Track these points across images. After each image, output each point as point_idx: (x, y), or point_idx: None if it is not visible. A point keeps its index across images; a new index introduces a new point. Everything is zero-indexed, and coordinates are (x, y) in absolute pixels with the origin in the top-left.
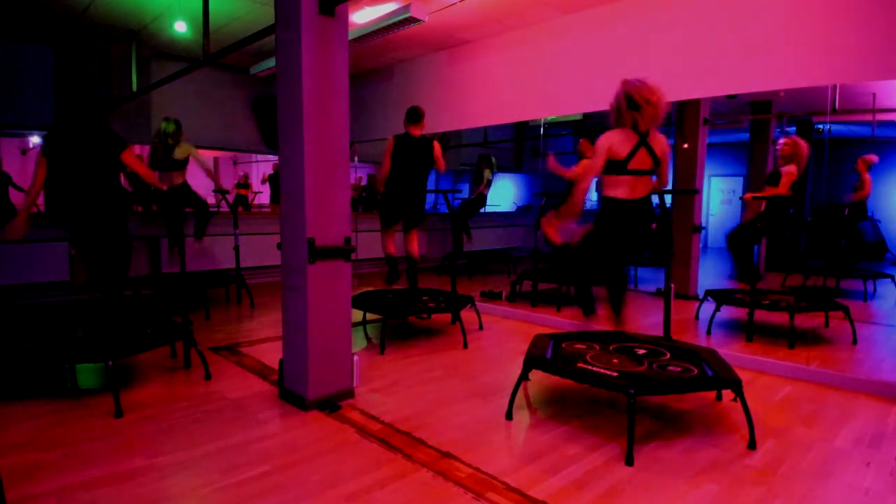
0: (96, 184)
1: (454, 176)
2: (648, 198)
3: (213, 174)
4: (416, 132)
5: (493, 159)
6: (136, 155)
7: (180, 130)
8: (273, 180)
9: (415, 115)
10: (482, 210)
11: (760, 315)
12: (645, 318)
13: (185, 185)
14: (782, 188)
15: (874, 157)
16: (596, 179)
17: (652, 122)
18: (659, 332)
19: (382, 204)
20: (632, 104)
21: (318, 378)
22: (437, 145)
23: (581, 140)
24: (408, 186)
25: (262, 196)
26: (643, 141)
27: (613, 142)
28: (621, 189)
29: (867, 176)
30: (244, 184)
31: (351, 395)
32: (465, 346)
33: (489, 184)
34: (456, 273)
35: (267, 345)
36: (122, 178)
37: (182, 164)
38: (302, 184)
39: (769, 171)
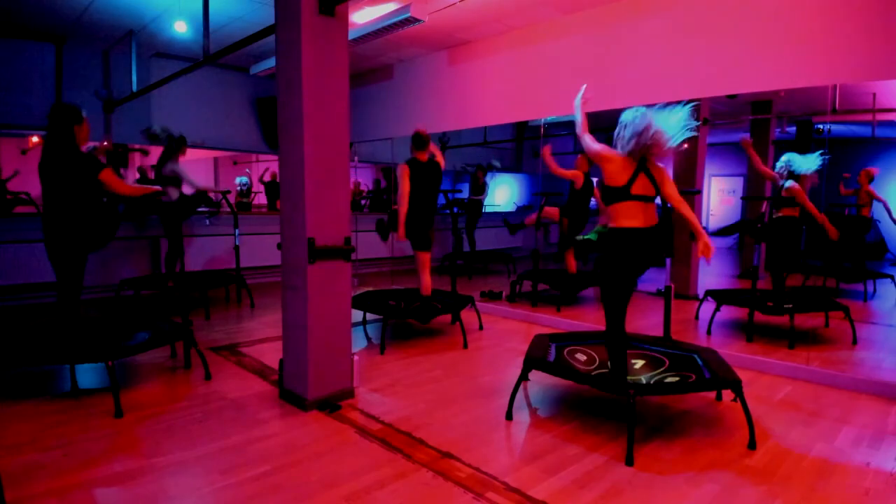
0: (68, 206)
1: (454, 176)
2: (658, 226)
3: (199, 186)
4: (424, 157)
5: (483, 165)
6: (138, 176)
7: (178, 146)
8: (270, 187)
9: (419, 141)
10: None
11: (760, 315)
12: (645, 318)
13: (183, 197)
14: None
15: (876, 170)
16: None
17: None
18: (659, 332)
19: (411, 230)
20: (645, 144)
21: (318, 378)
22: (440, 162)
23: (579, 157)
24: (426, 208)
25: (261, 196)
26: (642, 167)
27: (613, 162)
28: (635, 218)
29: (870, 188)
30: (246, 191)
31: (351, 395)
32: (465, 346)
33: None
34: (456, 273)
35: (267, 345)
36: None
37: (177, 181)
38: (302, 184)
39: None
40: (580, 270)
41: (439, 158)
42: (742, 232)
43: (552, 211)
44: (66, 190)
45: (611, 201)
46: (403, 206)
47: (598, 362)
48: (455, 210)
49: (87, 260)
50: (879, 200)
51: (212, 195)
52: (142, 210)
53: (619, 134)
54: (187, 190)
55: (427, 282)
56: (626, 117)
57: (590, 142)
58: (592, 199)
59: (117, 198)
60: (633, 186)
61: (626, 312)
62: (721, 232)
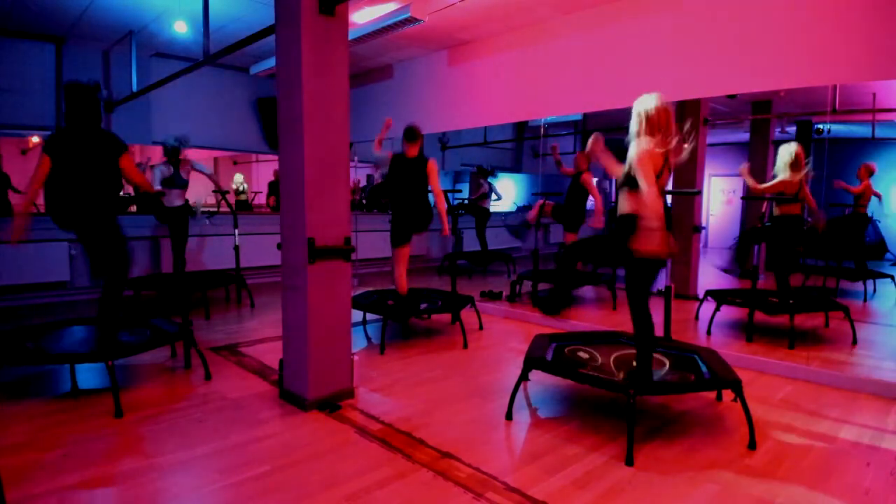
0: (92, 185)
1: (454, 176)
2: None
3: (214, 178)
4: (411, 152)
5: (485, 167)
6: (137, 163)
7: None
8: (273, 187)
9: (410, 135)
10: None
11: (760, 315)
12: None
13: (187, 204)
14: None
15: (874, 165)
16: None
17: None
18: (659, 331)
19: (391, 222)
20: (665, 122)
21: (318, 378)
22: (431, 164)
23: (577, 153)
24: (403, 202)
25: (261, 196)
26: (667, 159)
27: (654, 157)
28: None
29: (868, 183)
30: (241, 190)
31: (351, 395)
32: (465, 346)
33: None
34: (456, 273)
35: (267, 345)
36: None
37: (185, 184)
38: (302, 184)
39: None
40: (580, 271)
41: (432, 173)
42: (750, 242)
43: (550, 206)
44: (90, 163)
45: (636, 186)
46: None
47: (598, 362)
48: (461, 212)
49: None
50: (876, 195)
51: (210, 199)
52: (139, 210)
53: (633, 123)
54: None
55: (401, 279)
56: (636, 106)
57: (640, 168)
58: (590, 198)
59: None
60: (660, 179)
61: (626, 312)
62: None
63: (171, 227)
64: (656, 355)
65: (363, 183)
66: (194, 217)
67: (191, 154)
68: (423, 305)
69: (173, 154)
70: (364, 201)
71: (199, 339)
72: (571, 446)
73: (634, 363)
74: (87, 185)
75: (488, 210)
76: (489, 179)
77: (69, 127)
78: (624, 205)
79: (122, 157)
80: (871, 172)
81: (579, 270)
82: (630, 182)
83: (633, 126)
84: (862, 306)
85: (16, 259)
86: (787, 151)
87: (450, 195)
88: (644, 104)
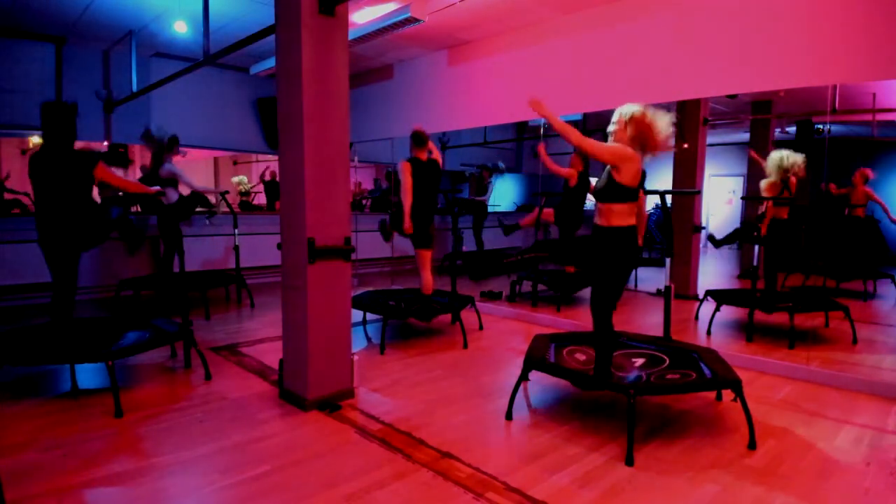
0: (64, 205)
1: (453, 177)
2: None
3: (196, 186)
4: (423, 155)
5: (489, 165)
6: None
7: (171, 146)
8: (269, 186)
9: (419, 140)
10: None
11: (760, 315)
12: (645, 318)
13: (182, 198)
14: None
15: (870, 171)
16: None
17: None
18: (659, 332)
19: (414, 227)
20: (651, 133)
21: (318, 378)
22: (438, 160)
23: (573, 154)
24: (426, 206)
25: (261, 196)
26: (643, 169)
27: (635, 161)
28: (632, 217)
29: (867, 189)
30: (245, 191)
31: (351, 395)
32: (465, 346)
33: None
34: (456, 273)
35: (267, 345)
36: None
37: (174, 182)
38: (302, 184)
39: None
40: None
41: (437, 156)
42: (742, 239)
43: (548, 212)
44: (61, 188)
45: (619, 199)
46: (408, 201)
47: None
48: (456, 210)
49: (79, 259)
50: (877, 202)
51: (211, 197)
52: (143, 209)
53: (618, 129)
54: (185, 190)
55: (428, 280)
56: (625, 112)
57: (597, 143)
58: (589, 197)
59: (111, 199)
60: (640, 189)
61: (626, 312)
62: (724, 241)
63: (162, 223)
64: (657, 354)
65: (368, 186)
66: (189, 215)
67: (191, 154)
68: (437, 306)
69: (157, 151)
70: (364, 202)
71: (199, 339)
72: (571, 446)
73: (634, 362)
74: (56, 210)
75: (486, 208)
76: (492, 178)
77: (45, 147)
78: (609, 218)
79: (96, 169)
80: (865, 179)
81: (574, 273)
82: (614, 194)
83: (620, 132)
84: (862, 306)
85: (16, 259)
86: (777, 156)
87: (449, 195)
88: (629, 110)
